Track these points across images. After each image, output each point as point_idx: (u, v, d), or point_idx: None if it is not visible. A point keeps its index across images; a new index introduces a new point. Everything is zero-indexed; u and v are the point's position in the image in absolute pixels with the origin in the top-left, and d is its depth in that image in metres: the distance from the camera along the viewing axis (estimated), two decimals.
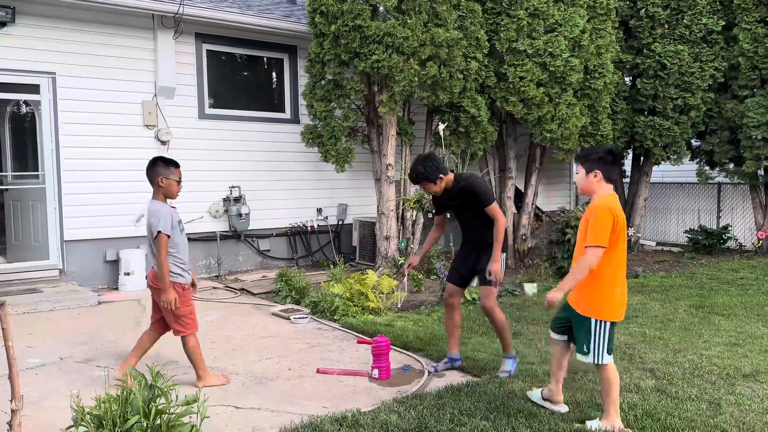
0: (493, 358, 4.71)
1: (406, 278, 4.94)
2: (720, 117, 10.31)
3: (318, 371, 4.55)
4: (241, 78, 9.40)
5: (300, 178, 9.41)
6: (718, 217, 12.11)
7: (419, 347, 5.07)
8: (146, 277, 4.30)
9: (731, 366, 4.56)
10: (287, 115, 9.47)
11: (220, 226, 8.80)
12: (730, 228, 11.07)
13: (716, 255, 10.62)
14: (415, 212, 8.45)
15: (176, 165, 4.15)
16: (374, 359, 4.40)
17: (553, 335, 3.75)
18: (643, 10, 10.16)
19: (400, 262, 8.18)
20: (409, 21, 7.37)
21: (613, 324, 3.47)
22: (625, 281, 3.54)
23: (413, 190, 8.51)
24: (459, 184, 4.34)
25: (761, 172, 10.32)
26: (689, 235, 11.16)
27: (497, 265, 4.25)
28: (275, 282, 7.57)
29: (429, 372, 4.52)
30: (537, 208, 10.30)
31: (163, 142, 8.29)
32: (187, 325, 4.22)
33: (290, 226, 9.35)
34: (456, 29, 7.75)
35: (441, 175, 4.26)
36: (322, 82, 8.17)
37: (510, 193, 9.40)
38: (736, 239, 11.13)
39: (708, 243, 10.80)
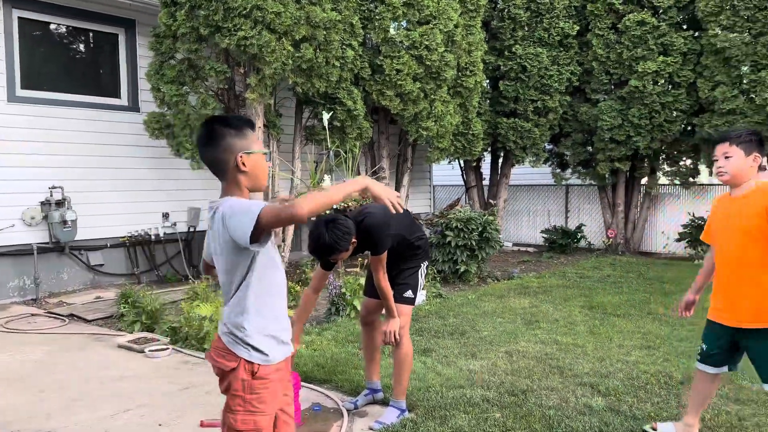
0: (421, 385, 3.94)
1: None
2: (575, 120, 10.63)
3: (202, 424, 3.44)
4: (66, 55, 7.68)
5: (141, 176, 7.92)
6: (566, 218, 12.61)
7: (324, 378, 4.15)
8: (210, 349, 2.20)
9: (661, 373, 4.26)
10: (124, 101, 7.93)
11: (37, 236, 7.04)
12: (583, 227, 11.51)
13: (571, 254, 10.96)
14: None
15: (251, 124, 2.15)
16: None
17: (711, 370, 3.06)
18: (505, 11, 10.15)
19: None
20: None
21: None
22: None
23: (287, 189, 7.51)
24: (359, 228, 3.23)
25: (607, 174, 10.80)
26: (545, 235, 11.42)
27: (394, 323, 3.39)
28: (116, 304, 6.14)
29: (348, 410, 3.62)
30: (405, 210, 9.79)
31: None
32: None
33: (129, 234, 7.82)
34: (332, 11, 6.92)
35: (353, 239, 3.14)
36: (173, 62, 6.86)
37: None
38: (587, 238, 11.61)
39: (563, 242, 11.12)
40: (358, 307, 5.67)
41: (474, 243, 7.75)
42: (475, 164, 11.36)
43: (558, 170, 11.51)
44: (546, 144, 11.29)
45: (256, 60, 6.40)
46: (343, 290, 5.72)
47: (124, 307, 5.86)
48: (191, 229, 8.32)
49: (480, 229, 7.77)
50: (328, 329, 5.36)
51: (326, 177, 6.07)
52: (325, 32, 6.69)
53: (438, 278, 7.33)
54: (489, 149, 11.09)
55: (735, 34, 8.81)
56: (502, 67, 10.24)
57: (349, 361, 4.42)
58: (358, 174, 7.82)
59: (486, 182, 11.81)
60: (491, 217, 8.01)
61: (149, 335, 5.32)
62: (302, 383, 4.03)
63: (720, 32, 8.95)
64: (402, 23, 7.99)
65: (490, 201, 10.92)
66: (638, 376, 4.18)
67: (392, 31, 7.88)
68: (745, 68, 8.87)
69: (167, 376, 4.32)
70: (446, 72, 8.11)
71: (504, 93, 10.24)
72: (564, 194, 12.70)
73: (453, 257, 7.77)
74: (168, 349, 4.90)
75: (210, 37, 6.38)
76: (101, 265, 7.68)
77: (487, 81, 10.71)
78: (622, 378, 4.16)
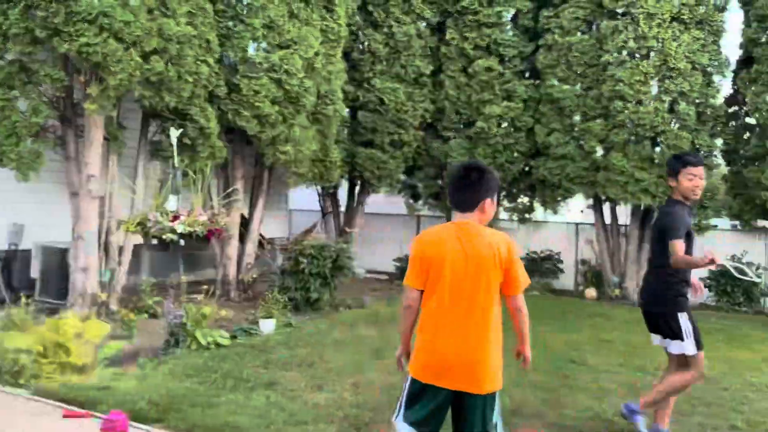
0: (261, 423, 3.77)
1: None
2: (427, 155, 11.10)
3: None
4: None
5: None
6: None
7: (156, 417, 3.84)
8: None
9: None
10: None
11: None
12: None
13: None
14: (124, 237, 6.91)
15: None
16: None
17: None
18: (365, 44, 10.41)
19: (101, 300, 6.54)
20: (131, 3, 6.02)
21: (414, 383, 2.71)
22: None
23: (127, 208, 6.99)
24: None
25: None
26: (397, 263, 11.71)
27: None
28: None
29: None
30: (260, 235, 9.57)
31: None
32: None
33: None
34: (186, 25, 6.64)
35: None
36: (1, 62, 6.17)
37: (237, 218, 8.48)
38: None
39: None
40: (200, 339, 5.39)
41: (327, 271, 7.73)
42: (332, 191, 11.43)
43: (411, 201, 11.91)
44: (400, 175, 11.66)
45: (100, 69, 5.93)
46: (184, 320, 5.39)
47: None
48: (12, 248, 7.43)
49: (334, 257, 7.78)
50: (164, 362, 5.01)
51: (172, 197, 5.73)
52: (178, 46, 6.40)
53: (289, 306, 7.19)
54: (347, 177, 11.22)
55: (568, 86, 9.76)
56: (361, 98, 10.45)
57: (187, 398, 4.15)
58: (209, 197, 7.50)
59: (343, 209, 11.91)
60: (345, 245, 8.06)
61: None
62: (131, 423, 3.71)
63: (556, 83, 9.86)
64: (262, 44, 7.88)
65: (346, 228, 11.01)
66: None
67: (251, 52, 7.74)
68: (576, 117, 9.84)
69: None
70: (306, 98, 8.10)
71: (363, 123, 10.45)
72: (416, 224, 13.14)
73: (306, 285, 7.68)
74: None
75: (48, 40, 5.82)
76: None
77: (347, 110, 10.88)
78: None
